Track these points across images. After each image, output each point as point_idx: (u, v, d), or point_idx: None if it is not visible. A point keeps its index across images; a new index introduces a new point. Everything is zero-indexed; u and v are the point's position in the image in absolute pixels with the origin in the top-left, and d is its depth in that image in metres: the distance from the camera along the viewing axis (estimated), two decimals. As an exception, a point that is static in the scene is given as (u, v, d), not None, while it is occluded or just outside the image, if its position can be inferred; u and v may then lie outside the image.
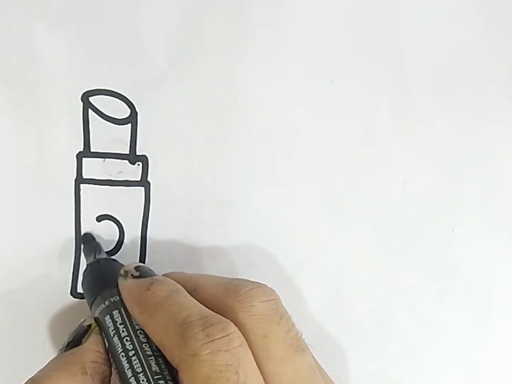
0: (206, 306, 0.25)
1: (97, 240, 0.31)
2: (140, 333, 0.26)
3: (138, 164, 0.31)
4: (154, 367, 0.25)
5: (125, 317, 0.26)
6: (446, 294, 0.34)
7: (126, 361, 0.25)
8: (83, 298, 0.31)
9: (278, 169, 0.32)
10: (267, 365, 0.25)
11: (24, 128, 0.30)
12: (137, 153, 0.31)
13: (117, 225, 0.31)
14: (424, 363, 0.34)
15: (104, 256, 0.30)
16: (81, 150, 0.31)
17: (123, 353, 0.25)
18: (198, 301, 0.26)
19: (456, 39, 0.33)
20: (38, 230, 0.31)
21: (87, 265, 0.30)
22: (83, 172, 0.31)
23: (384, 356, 0.34)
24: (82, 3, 0.31)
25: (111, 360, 0.26)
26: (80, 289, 0.31)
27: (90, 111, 0.31)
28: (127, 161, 0.31)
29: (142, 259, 0.32)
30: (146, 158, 0.31)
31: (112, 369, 0.26)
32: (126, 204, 0.31)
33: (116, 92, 0.31)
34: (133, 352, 0.25)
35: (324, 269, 0.33)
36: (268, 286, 0.26)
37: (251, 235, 0.32)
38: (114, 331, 0.26)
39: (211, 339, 0.23)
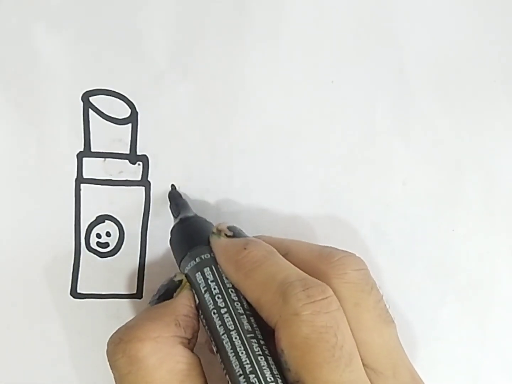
0: (299, 269, 0.25)
1: (184, 197, 0.31)
2: (232, 291, 0.26)
3: (139, 164, 0.31)
4: (246, 325, 0.25)
5: (217, 275, 0.26)
6: (446, 294, 0.34)
7: (218, 318, 0.25)
8: (83, 298, 0.31)
9: (278, 169, 0.32)
10: (357, 333, 0.25)
11: (24, 128, 0.30)
12: (138, 153, 0.31)
13: (117, 225, 0.31)
14: (424, 363, 0.34)
15: (192, 214, 0.30)
16: (82, 150, 0.31)
17: (214, 310, 0.26)
18: (291, 263, 0.26)
19: (456, 39, 0.33)
20: (38, 230, 0.31)
21: (175, 222, 0.30)
22: (83, 172, 0.31)
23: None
24: (82, 3, 0.31)
25: (201, 316, 0.26)
26: (80, 289, 0.31)
27: (90, 111, 0.31)
28: (127, 161, 0.31)
29: (142, 259, 0.32)
30: (147, 158, 0.31)
31: (201, 325, 0.26)
32: (126, 204, 0.31)
33: (116, 92, 0.31)
34: (225, 309, 0.25)
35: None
36: (358, 255, 0.27)
37: (251, 235, 0.32)
38: (205, 288, 0.26)
39: (312, 300, 0.23)
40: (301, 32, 0.32)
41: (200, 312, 0.27)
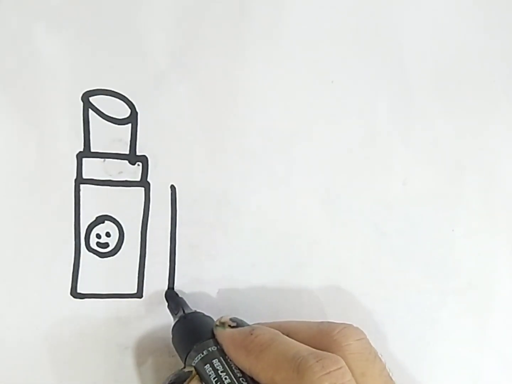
0: None
1: (180, 295, 0.32)
2: (243, 380, 0.26)
3: (138, 164, 0.31)
4: None
5: (226, 366, 0.27)
6: (446, 294, 0.34)
7: None
8: (83, 298, 0.31)
9: (278, 169, 0.32)
10: None
11: (24, 128, 0.30)
12: (137, 153, 0.31)
13: (117, 225, 0.31)
14: (424, 363, 0.34)
15: (190, 310, 0.31)
16: (81, 150, 0.31)
17: None
18: None
19: (456, 40, 0.33)
20: (38, 230, 0.31)
21: (175, 321, 0.30)
22: (83, 172, 0.31)
23: (384, 356, 0.34)
24: (82, 3, 0.31)
25: None
26: (80, 289, 0.31)
27: (90, 111, 0.31)
28: (127, 161, 0.31)
29: (142, 259, 0.32)
30: (146, 158, 0.31)
31: None
32: (126, 204, 0.31)
33: (116, 92, 0.31)
34: None
35: (324, 269, 0.33)
36: (355, 325, 0.27)
37: (251, 235, 0.32)
38: (216, 379, 0.27)
39: (327, 371, 0.24)
40: (301, 32, 0.32)
41: None
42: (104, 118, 0.31)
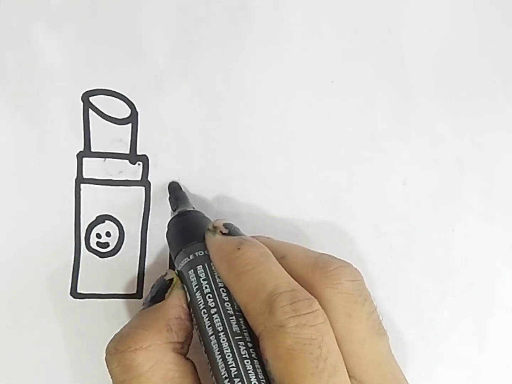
0: (293, 276, 0.26)
1: (184, 190, 0.31)
2: (223, 291, 0.26)
3: (139, 164, 0.31)
4: (235, 327, 0.25)
5: (209, 273, 0.26)
6: (446, 294, 0.34)
7: (207, 318, 0.25)
8: (83, 298, 0.31)
9: (278, 169, 0.32)
10: (347, 344, 0.25)
11: (24, 128, 0.30)
12: (138, 153, 0.31)
13: (117, 225, 0.31)
14: (424, 363, 0.34)
15: (190, 207, 0.30)
16: (82, 150, 0.31)
17: (204, 310, 0.25)
18: (285, 269, 0.26)
19: (456, 39, 0.33)
20: (38, 230, 0.31)
21: (173, 215, 0.29)
22: (83, 172, 0.31)
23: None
24: (82, 3, 0.31)
25: (192, 315, 0.26)
26: (80, 289, 0.31)
27: (90, 111, 0.31)
28: (127, 161, 0.31)
29: (142, 259, 0.32)
30: (147, 157, 0.31)
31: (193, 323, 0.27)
32: (126, 204, 0.31)
33: (116, 92, 0.31)
34: (215, 309, 0.25)
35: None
36: (354, 266, 0.27)
37: (251, 235, 0.32)
38: (197, 286, 0.26)
39: (298, 314, 0.24)
40: (301, 32, 0.32)
41: (191, 310, 0.26)
42: (104, 118, 0.31)
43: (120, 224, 0.31)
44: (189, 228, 0.28)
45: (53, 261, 0.31)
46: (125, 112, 0.31)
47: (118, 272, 0.31)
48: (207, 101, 0.31)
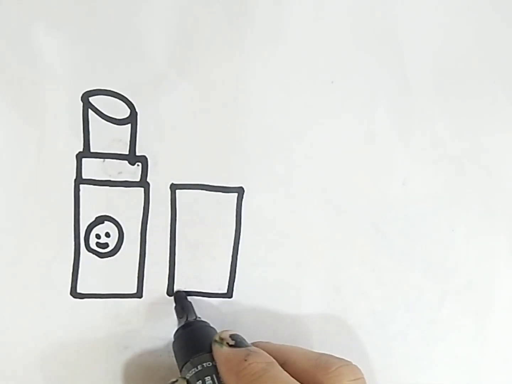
0: (296, 379, 0.26)
1: (189, 299, 0.32)
2: None
3: (138, 165, 0.31)
4: None
5: None
6: (446, 294, 0.34)
7: None
8: (83, 298, 0.31)
9: (278, 169, 0.32)
10: None
11: (24, 128, 0.30)
12: (137, 154, 0.31)
13: (116, 225, 0.31)
14: (424, 363, 0.34)
15: (195, 317, 0.31)
16: (81, 150, 0.31)
17: None
18: (288, 373, 0.27)
19: (456, 40, 0.33)
20: (37, 230, 0.31)
21: (179, 326, 0.30)
22: (82, 172, 0.31)
23: (384, 356, 0.34)
24: (82, 3, 0.30)
25: None
26: (80, 289, 0.31)
27: (90, 111, 0.31)
28: (126, 162, 0.31)
29: (142, 259, 0.32)
30: (146, 158, 0.31)
31: None
32: (126, 205, 0.31)
33: (116, 92, 0.31)
34: None
35: (324, 269, 0.33)
36: (353, 363, 0.27)
37: (251, 235, 0.32)
38: None
39: None
40: (301, 32, 0.32)
41: None
42: (103, 118, 0.31)
43: (120, 225, 0.31)
44: (195, 339, 0.29)
45: (53, 261, 0.31)
46: (125, 112, 0.31)
47: (118, 272, 0.31)
48: (206, 102, 0.31)
